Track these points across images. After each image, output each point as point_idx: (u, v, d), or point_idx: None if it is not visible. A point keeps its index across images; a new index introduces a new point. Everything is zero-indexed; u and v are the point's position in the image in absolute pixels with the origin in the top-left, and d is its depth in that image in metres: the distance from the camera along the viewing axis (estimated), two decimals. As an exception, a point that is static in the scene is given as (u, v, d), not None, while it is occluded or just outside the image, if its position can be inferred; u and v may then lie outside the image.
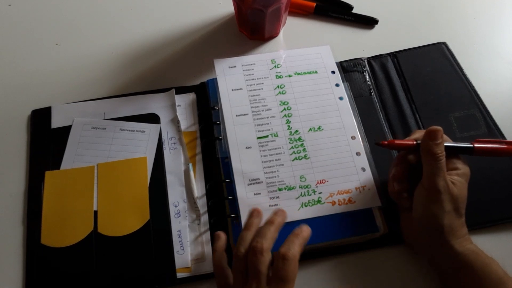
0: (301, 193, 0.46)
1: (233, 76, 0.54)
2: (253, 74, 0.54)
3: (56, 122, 0.53)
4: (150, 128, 0.52)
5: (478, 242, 0.41)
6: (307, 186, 0.47)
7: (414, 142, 0.42)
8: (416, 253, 0.45)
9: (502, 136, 0.51)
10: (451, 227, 0.40)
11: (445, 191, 0.39)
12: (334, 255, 0.45)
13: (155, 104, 0.54)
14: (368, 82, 0.56)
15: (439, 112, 0.53)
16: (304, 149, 0.49)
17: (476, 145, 0.42)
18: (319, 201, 0.46)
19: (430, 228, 0.41)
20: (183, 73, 0.58)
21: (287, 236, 0.44)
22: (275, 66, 0.55)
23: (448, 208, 0.39)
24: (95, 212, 0.47)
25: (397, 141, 0.43)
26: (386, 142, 0.43)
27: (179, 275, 0.44)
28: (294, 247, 0.37)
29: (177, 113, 0.53)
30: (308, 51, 0.57)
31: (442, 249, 0.40)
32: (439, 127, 0.40)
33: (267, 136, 0.50)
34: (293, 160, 0.48)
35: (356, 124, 0.51)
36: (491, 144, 0.43)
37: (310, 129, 0.50)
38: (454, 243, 0.39)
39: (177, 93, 0.55)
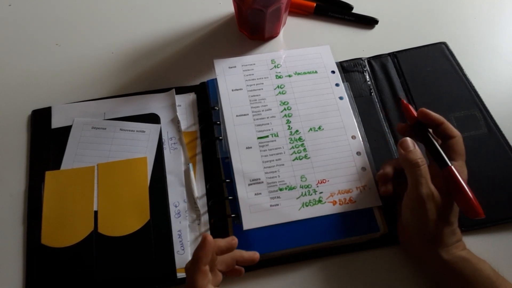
0: (302, 193, 0.46)
1: (233, 76, 0.54)
2: (253, 74, 0.54)
3: (56, 122, 0.53)
4: (150, 128, 0.52)
5: (478, 242, 0.42)
6: (307, 186, 0.47)
7: (416, 115, 0.44)
8: (410, 256, 0.45)
9: (502, 136, 0.51)
10: (438, 235, 0.39)
11: (429, 200, 0.39)
12: (334, 255, 0.45)
13: (155, 104, 0.54)
14: (368, 82, 0.56)
15: (439, 112, 0.53)
16: (304, 149, 0.49)
17: (453, 167, 0.40)
18: (320, 201, 0.46)
19: (417, 236, 0.41)
20: (183, 73, 0.58)
21: (287, 235, 0.44)
22: (275, 66, 0.55)
23: (433, 217, 0.39)
24: (95, 212, 0.47)
25: (410, 106, 0.45)
26: (405, 102, 0.46)
27: (179, 275, 0.44)
28: (191, 282, 0.35)
29: (177, 113, 0.53)
30: (308, 51, 0.57)
31: (430, 256, 0.40)
32: (406, 138, 0.42)
33: (267, 136, 0.50)
34: (293, 160, 0.48)
35: (356, 124, 0.51)
36: (462, 181, 0.39)
37: (310, 129, 0.50)
38: (441, 251, 0.39)
39: (177, 93, 0.55)
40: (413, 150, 0.40)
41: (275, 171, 0.47)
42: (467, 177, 0.42)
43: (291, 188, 0.47)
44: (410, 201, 0.40)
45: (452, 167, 0.40)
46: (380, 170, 0.46)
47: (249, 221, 0.44)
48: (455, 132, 0.43)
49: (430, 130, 0.44)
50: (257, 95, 0.53)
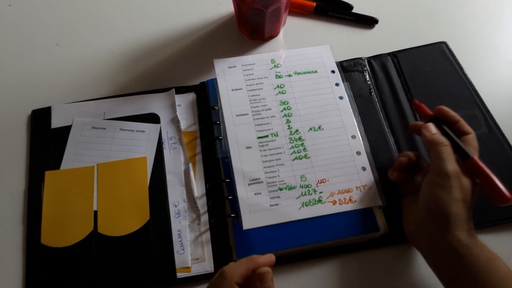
0: (302, 192, 0.46)
1: (233, 76, 0.54)
2: (253, 74, 0.54)
3: (56, 122, 0.53)
4: (150, 128, 0.52)
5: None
6: (307, 186, 0.47)
7: (431, 113, 0.45)
8: (415, 246, 0.43)
9: (502, 135, 0.51)
10: (458, 217, 0.38)
11: (455, 177, 0.38)
12: (334, 255, 0.45)
13: (155, 104, 0.54)
14: (368, 82, 0.56)
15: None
16: (304, 149, 0.49)
17: (475, 158, 0.40)
18: (319, 201, 0.46)
19: (436, 216, 0.39)
20: (183, 73, 0.58)
21: (287, 235, 0.44)
22: (275, 66, 0.55)
23: (457, 196, 0.38)
24: (95, 212, 0.47)
25: (423, 106, 0.46)
26: (417, 102, 0.47)
27: (179, 275, 0.44)
28: (235, 267, 0.35)
29: (177, 113, 0.53)
30: (307, 51, 0.57)
31: (446, 240, 0.38)
32: (429, 123, 0.43)
33: (267, 136, 0.50)
34: (293, 160, 0.48)
35: (356, 124, 0.51)
36: (487, 169, 0.40)
37: (310, 128, 0.50)
38: (460, 234, 0.38)
39: (177, 93, 0.55)
40: (438, 133, 0.42)
41: (275, 171, 0.47)
42: None
43: (291, 188, 0.47)
44: (434, 177, 0.40)
45: (476, 157, 0.40)
46: (399, 157, 0.46)
47: (249, 221, 0.44)
48: (470, 129, 0.43)
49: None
50: (257, 95, 0.53)
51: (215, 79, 0.54)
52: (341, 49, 0.58)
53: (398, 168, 0.45)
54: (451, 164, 0.39)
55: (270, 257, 0.38)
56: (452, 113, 0.44)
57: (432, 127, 0.43)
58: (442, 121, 0.44)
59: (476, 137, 0.43)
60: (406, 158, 0.45)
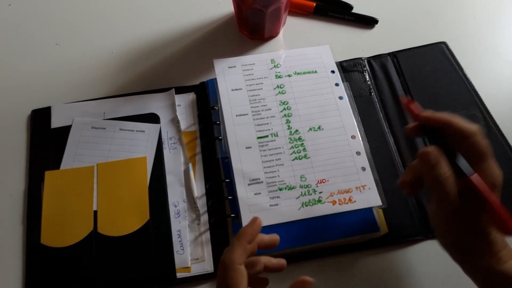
0: (302, 192, 0.46)
1: (232, 76, 0.54)
2: (252, 74, 0.54)
3: (56, 122, 0.53)
4: (150, 128, 0.52)
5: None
6: (307, 186, 0.47)
7: (419, 114, 0.38)
8: (441, 244, 0.38)
9: (502, 136, 0.51)
10: (473, 248, 0.35)
11: (454, 217, 0.35)
12: (334, 255, 0.45)
13: (155, 104, 0.54)
14: (368, 82, 0.56)
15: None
16: (304, 149, 0.49)
17: (472, 177, 0.34)
18: (319, 201, 0.46)
19: (452, 249, 0.37)
20: (183, 73, 0.58)
21: (287, 235, 0.44)
22: (274, 66, 0.55)
23: (462, 233, 0.35)
24: (95, 212, 0.47)
25: (412, 106, 0.39)
26: (406, 101, 0.39)
27: (179, 275, 0.44)
28: (231, 251, 0.34)
29: (177, 113, 0.53)
30: (307, 51, 0.57)
31: (469, 269, 0.36)
32: (429, 149, 0.35)
33: (267, 136, 0.50)
34: (293, 160, 0.48)
35: (356, 124, 0.51)
36: (486, 191, 0.34)
37: (310, 128, 0.50)
38: (481, 263, 0.35)
39: (177, 93, 0.55)
40: (436, 165, 0.34)
41: (275, 171, 0.47)
42: (501, 184, 0.36)
43: (290, 188, 0.47)
44: (437, 217, 0.36)
45: (474, 175, 0.34)
46: (400, 177, 0.41)
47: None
48: (470, 130, 0.36)
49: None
50: (256, 95, 0.53)
51: (215, 79, 0.54)
52: (341, 49, 0.58)
53: (401, 186, 0.41)
54: (451, 205, 0.34)
55: (254, 220, 0.37)
56: (438, 118, 0.37)
57: (430, 157, 0.35)
58: (436, 130, 0.38)
59: (482, 135, 0.36)
60: (409, 177, 0.39)
